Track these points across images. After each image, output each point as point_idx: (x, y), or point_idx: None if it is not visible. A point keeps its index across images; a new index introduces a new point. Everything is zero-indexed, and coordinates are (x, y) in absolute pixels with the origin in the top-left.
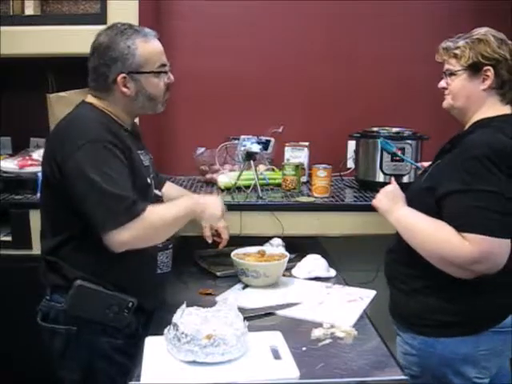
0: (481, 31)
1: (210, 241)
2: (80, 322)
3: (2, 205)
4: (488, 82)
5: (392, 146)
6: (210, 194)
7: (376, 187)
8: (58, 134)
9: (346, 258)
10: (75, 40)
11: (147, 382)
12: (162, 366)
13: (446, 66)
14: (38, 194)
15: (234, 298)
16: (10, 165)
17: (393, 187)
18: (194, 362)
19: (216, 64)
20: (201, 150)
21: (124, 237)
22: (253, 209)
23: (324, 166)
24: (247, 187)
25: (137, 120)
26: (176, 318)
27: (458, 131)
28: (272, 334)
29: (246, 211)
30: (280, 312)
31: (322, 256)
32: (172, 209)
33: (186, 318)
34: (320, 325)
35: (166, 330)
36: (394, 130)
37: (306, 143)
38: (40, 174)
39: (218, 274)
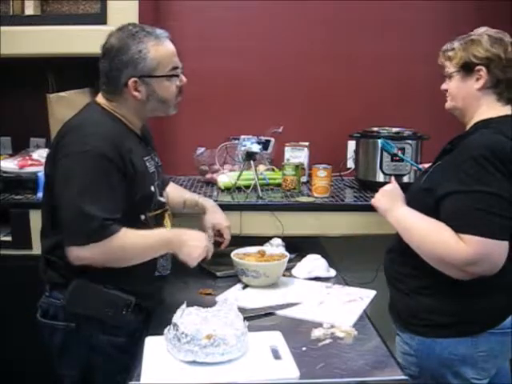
0: (478, 31)
1: (211, 241)
2: (79, 318)
3: (2, 205)
4: (481, 82)
5: (392, 146)
6: (210, 196)
7: (376, 187)
8: (62, 136)
9: (346, 258)
10: (75, 40)
11: (147, 382)
12: (162, 366)
13: (445, 69)
14: (38, 194)
15: (234, 298)
16: (10, 165)
17: (392, 187)
18: (194, 362)
19: (216, 64)
20: (201, 149)
21: (83, 254)
22: (253, 209)
23: (324, 166)
24: (247, 187)
25: None
26: (176, 318)
27: (459, 132)
28: (272, 334)
29: (246, 211)
30: (280, 312)
31: (322, 256)
32: (148, 238)
33: (186, 318)
34: (320, 325)
35: (166, 330)
36: (394, 129)
37: (306, 143)
38: (40, 174)
39: (218, 274)
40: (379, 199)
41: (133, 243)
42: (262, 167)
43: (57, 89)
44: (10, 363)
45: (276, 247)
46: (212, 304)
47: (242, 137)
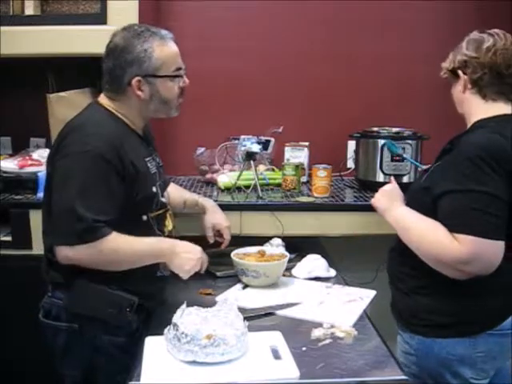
0: (466, 36)
1: (211, 241)
2: (82, 319)
3: (2, 205)
4: (461, 84)
5: (398, 147)
6: (210, 196)
7: (376, 187)
8: (64, 136)
9: (346, 258)
10: (75, 40)
11: (147, 382)
12: (162, 366)
13: None
14: (39, 194)
15: (234, 298)
16: (10, 165)
17: (391, 186)
18: (194, 362)
19: (216, 64)
20: (201, 149)
21: (70, 254)
22: (253, 209)
23: (324, 166)
24: (247, 187)
25: None
26: (176, 318)
27: (459, 131)
28: (272, 334)
29: (246, 211)
30: (280, 312)
31: (322, 256)
32: (140, 245)
33: (186, 318)
34: (320, 325)
35: (166, 330)
36: (394, 129)
37: (306, 143)
38: (40, 174)
39: (218, 274)
40: (378, 199)
41: (123, 248)
42: (261, 167)
43: (57, 89)
44: (10, 363)
45: (276, 247)
46: (212, 304)
47: (242, 137)
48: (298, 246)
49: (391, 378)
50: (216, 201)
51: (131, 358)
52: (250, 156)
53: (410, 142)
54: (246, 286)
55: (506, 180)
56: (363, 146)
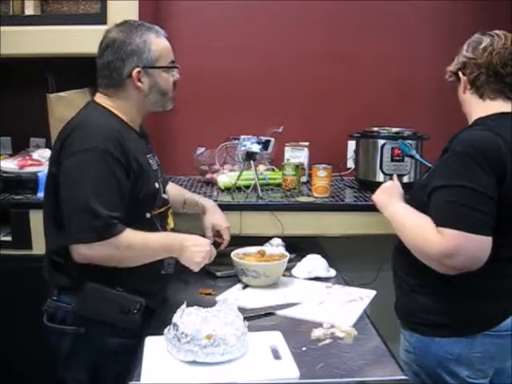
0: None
1: (211, 241)
2: (89, 322)
3: (2, 205)
4: (462, 85)
5: (410, 148)
6: (210, 196)
7: (376, 187)
8: (66, 135)
9: (346, 258)
10: (75, 40)
11: (147, 382)
12: (162, 366)
13: None
14: (39, 194)
15: (234, 297)
16: (10, 165)
17: (391, 183)
18: (194, 362)
19: (216, 64)
20: (201, 149)
21: (87, 252)
22: (253, 209)
23: (324, 166)
24: (247, 187)
25: None
26: (176, 318)
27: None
28: (272, 334)
29: (246, 211)
30: (280, 312)
31: (322, 256)
32: (152, 240)
33: (186, 318)
34: (320, 325)
35: (166, 330)
36: (394, 129)
37: (306, 143)
38: (40, 174)
39: (218, 274)
40: (378, 195)
41: (137, 244)
42: (261, 167)
43: (57, 89)
44: (11, 363)
45: (276, 247)
46: (212, 304)
47: (242, 137)
48: (298, 246)
49: (391, 377)
50: (216, 201)
51: (135, 359)
52: (249, 156)
53: (410, 141)
54: (246, 286)
55: (493, 177)
56: (363, 145)
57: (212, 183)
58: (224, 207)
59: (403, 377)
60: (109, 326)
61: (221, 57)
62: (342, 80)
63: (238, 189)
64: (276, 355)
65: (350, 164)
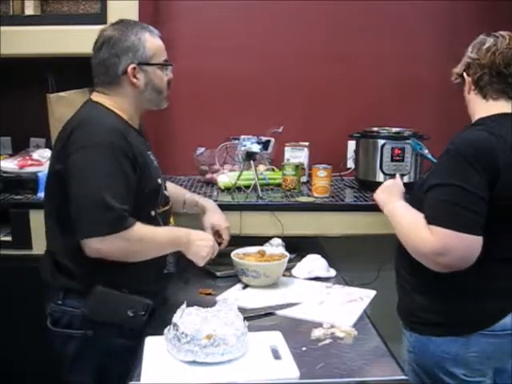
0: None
1: None
2: (97, 325)
3: (2, 205)
4: (466, 86)
5: (422, 146)
6: (210, 196)
7: (376, 187)
8: (69, 133)
9: (346, 258)
10: (75, 40)
11: (147, 382)
12: (162, 366)
13: None
14: (39, 194)
15: (234, 298)
16: (10, 165)
17: (393, 182)
18: (194, 362)
19: (216, 64)
20: (201, 149)
21: (100, 247)
22: (253, 209)
23: (324, 166)
24: (247, 187)
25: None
26: (176, 318)
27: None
28: (272, 334)
29: (246, 211)
30: (280, 312)
31: (322, 256)
32: (160, 234)
33: (186, 318)
34: (320, 325)
35: (166, 330)
36: (394, 129)
37: (306, 143)
38: (40, 174)
39: (218, 274)
40: (379, 193)
41: (148, 237)
42: (261, 167)
43: (57, 89)
44: (11, 363)
45: (276, 247)
46: (212, 304)
47: (242, 137)
48: (298, 246)
49: (391, 377)
50: (216, 201)
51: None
52: (249, 156)
53: (409, 140)
54: (246, 286)
55: (485, 177)
56: (363, 145)
57: (212, 183)
58: (224, 207)
59: (403, 377)
60: (116, 327)
61: (221, 57)
62: (341, 80)
63: (238, 189)
64: (276, 355)
65: (350, 164)
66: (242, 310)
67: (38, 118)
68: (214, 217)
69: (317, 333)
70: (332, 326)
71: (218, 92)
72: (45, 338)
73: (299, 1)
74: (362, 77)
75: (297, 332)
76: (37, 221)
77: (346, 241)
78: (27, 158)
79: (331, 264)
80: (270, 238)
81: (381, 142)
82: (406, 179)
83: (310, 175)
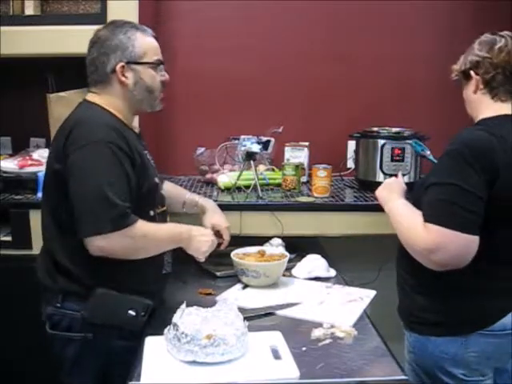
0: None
1: None
2: (97, 327)
3: (2, 205)
4: (474, 85)
5: (424, 147)
6: (210, 196)
7: (376, 187)
8: (68, 133)
9: (346, 258)
10: (75, 40)
11: (147, 382)
12: (162, 366)
13: None
14: (39, 194)
15: (233, 298)
16: (10, 165)
17: (394, 180)
18: (194, 362)
19: (216, 64)
20: (201, 149)
21: (103, 244)
22: (253, 209)
23: (324, 166)
24: (247, 187)
25: (136, 121)
26: (176, 318)
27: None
28: (272, 334)
29: (246, 211)
30: (280, 312)
31: (322, 256)
32: (162, 230)
33: (186, 317)
34: (320, 325)
35: (166, 330)
36: (394, 129)
37: (306, 143)
38: (40, 174)
39: (218, 274)
40: (380, 190)
41: (151, 234)
42: (262, 167)
43: (57, 89)
44: (11, 363)
45: (276, 247)
46: (212, 304)
47: (242, 137)
48: (298, 246)
49: (391, 378)
50: (216, 201)
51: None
52: (249, 156)
53: (410, 141)
54: (245, 286)
55: (484, 177)
56: (363, 145)
57: (212, 183)
58: (224, 207)
59: (403, 377)
60: (116, 329)
61: (221, 57)
62: (342, 80)
63: (238, 189)
64: (276, 355)
65: (350, 164)
66: (241, 310)
67: (38, 117)
68: (214, 217)
69: (317, 333)
70: (332, 326)
71: (218, 92)
72: (45, 338)
73: (299, 1)
74: (362, 77)
75: (297, 332)
76: (37, 221)
77: (346, 241)
78: (27, 158)
79: (331, 264)
80: (270, 237)
81: (381, 141)
82: (406, 179)
83: (310, 175)
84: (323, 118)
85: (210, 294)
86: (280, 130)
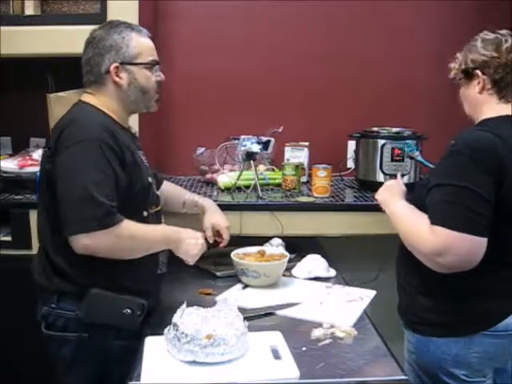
0: (477, 36)
1: (211, 241)
2: (92, 328)
3: (2, 205)
4: (480, 85)
5: (412, 148)
6: (210, 196)
7: (376, 187)
8: (59, 132)
9: (346, 258)
10: (75, 40)
11: (147, 382)
12: (162, 366)
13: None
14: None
15: (234, 298)
16: (10, 165)
17: (393, 182)
18: (194, 362)
19: (216, 64)
20: (201, 149)
21: (88, 242)
22: (253, 209)
23: (324, 166)
24: (247, 187)
25: (136, 122)
26: (176, 318)
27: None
28: (272, 334)
29: (246, 211)
30: (280, 312)
31: (322, 256)
32: (150, 232)
33: (186, 317)
34: (320, 325)
35: (166, 330)
36: (394, 129)
37: (306, 143)
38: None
39: (218, 274)
40: (380, 193)
41: (138, 234)
42: (262, 167)
43: (56, 89)
44: (10, 363)
45: (276, 247)
46: (212, 304)
47: (242, 137)
48: (298, 246)
49: (391, 378)
50: (216, 201)
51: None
52: (249, 156)
53: (409, 141)
54: (246, 286)
55: (492, 178)
56: (363, 145)
57: (212, 183)
58: (224, 207)
59: (403, 377)
60: (112, 329)
61: (221, 57)
62: (342, 80)
63: (238, 189)
64: (276, 355)
65: (350, 164)
66: (242, 310)
67: (38, 117)
68: (214, 216)
69: (317, 333)
70: (332, 326)
71: (218, 92)
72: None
73: (299, 1)
74: (362, 77)
75: (297, 332)
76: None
77: (346, 241)
78: (27, 157)
79: (331, 264)
80: (269, 238)
81: (381, 141)
82: (406, 179)
83: (310, 175)
84: (323, 118)
85: (209, 294)
86: (280, 129)
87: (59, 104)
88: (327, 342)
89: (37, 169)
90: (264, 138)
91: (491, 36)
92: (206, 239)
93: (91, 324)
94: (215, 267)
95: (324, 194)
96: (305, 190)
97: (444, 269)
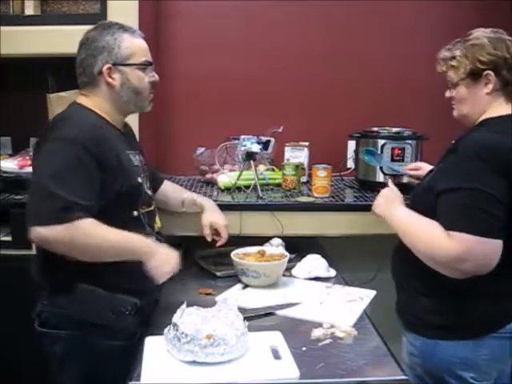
0: (475, 34)
1: (209, 239)
2: (84, 325)
3: (2, 205)
4: (491, 86)
5: (370, 158)
6: (210, 196)
7: (376, 187)
8: (47, 130)
9: (346, 258)
10: (75, 40)
11: (147, 382)
12: (162, 366)
13: (447, 78)
14: None
15: (234, 298)
16: (10, 165)
17: (387, 190)
18: (194, 362)
19: (216, 64)
20: (201, 149)
21: (44, 233)
22: (253, 209)
23: (324, 166)
24: (247, 187)
25: (136, 122)
26: (176, 318)
27: (459, 132)
28: (272, 334)
29: (246, 211)
30: (280, 312)
31: (322, 256)
32: (116, 236)
33: (186, 317)
34: (320, 325)
35: (166, 330)
36: (394, 129)
37: (306, 143)
38: None
39: (218, 274)
40: (377, 205)
41: (97, 235)
42: (262, 167)
43: (56, 89)
44: (10, 363)
45: (276, 247)
46: (212, 304)
47: (242, 137)
48: (298, 246)
49: (391, 378)
50: (216, 201)
51: (131, 361)
52: (249, 156)
53: (409, 141)
54: (246, 286)
55: (505, 180)
56: (363, 146)
57: (212, 183)
58: (224, 207)
59: (403, 377)
60: (104, 328)
61: (221, 57)
62: (342, 80)
63: (238, 189)
64: (276, 355)
65: (350, 164)
66: (242, 310)
67: (38, 118)
68: (213, 215)
69: (317, 333)
70: (332, 326)
71: (218, 92)
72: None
73: (299, 1)
74: (362, 77)
75: (297, 332)
76: None
77: (346, 241)
78: (27, 158)
79: (331, 264)
80: (269, 238)
81: (381, 142)
82: (405, 179)
83: (310, 175)
84: (323, 118)
85: (209, 294)
86: (280, 129)
87: (60, 104)
88: (327, 341)
89: None
90: (264, 138)
91: (496, 35)
92: (204, 237)
93: (84, 322)
94: (215, 267)
95: (324, 194)
96: (305, 190)
97: (463, 275)
